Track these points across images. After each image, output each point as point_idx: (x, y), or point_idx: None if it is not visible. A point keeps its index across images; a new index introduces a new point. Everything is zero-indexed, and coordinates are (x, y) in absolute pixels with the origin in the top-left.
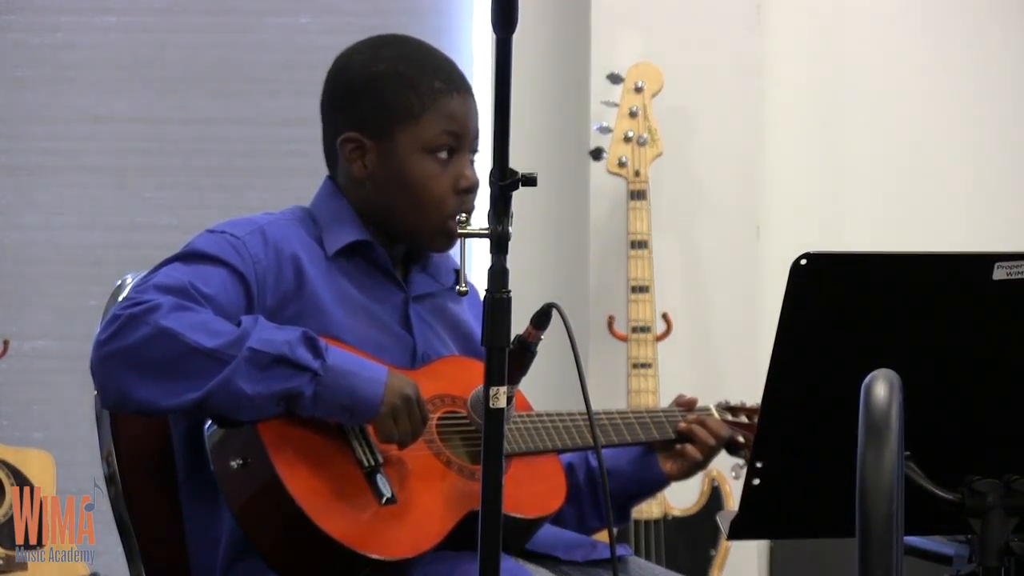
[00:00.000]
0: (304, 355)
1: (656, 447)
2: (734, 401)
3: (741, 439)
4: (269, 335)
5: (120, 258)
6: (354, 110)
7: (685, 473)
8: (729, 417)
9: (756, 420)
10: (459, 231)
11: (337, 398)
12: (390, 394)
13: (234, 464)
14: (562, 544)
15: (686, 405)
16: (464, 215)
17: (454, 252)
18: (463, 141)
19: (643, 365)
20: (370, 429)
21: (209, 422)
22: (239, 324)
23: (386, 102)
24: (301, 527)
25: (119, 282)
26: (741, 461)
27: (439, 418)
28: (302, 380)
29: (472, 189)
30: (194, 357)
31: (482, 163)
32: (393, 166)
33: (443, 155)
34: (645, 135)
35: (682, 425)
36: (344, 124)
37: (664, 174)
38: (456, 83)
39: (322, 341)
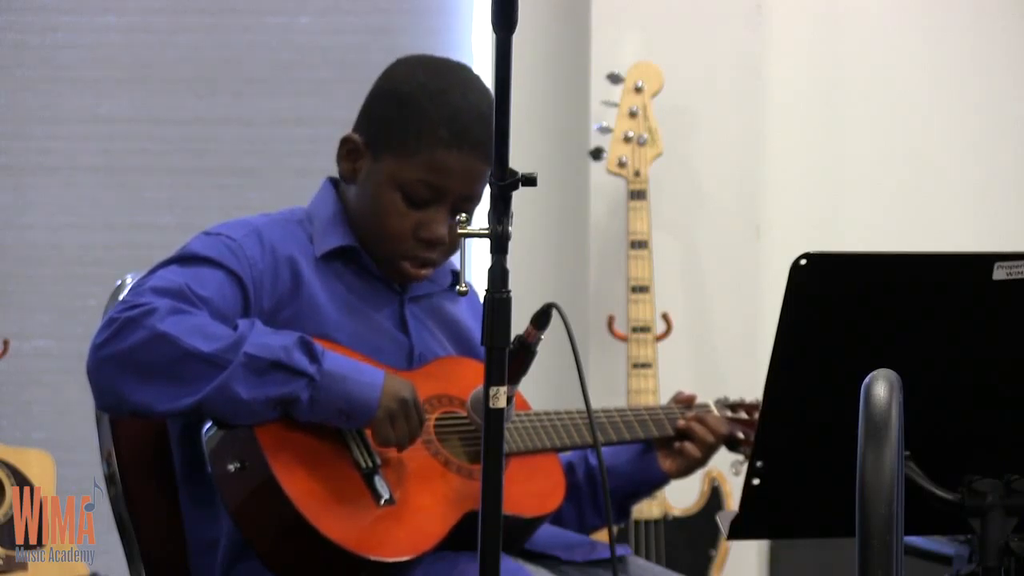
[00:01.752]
0: (300, 360)
1: (655, 445)
2: (733, 397)
3: (741, 435)
4: (265, 340)
5: (120, 258)
6: (367, 115)
7: (684, 471)
8: (728, 413)
9: (755, 416)
10: (459, 231)
11: (333, 403)
12: (386, 398)
13: (231, 467)
14: (562, 544)
15: (685, 402)
16: (464, 216)
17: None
18: (442, 195)
19: (643, 365)
20: (367, 431)
21: (207, 425)
22: (235, 328)
23: (390, 124)
24: (299, 530)
25: (119, 282)
26: (741, 457)
27: (437, 418)
28: (298, 385)
29: (433, 242)
30: (190, 361)
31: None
32: (370, 185)
33: (417, 199)
34: (645, 135)
35: (681, 422)
36: (357, 123)
37: (664, 174)
38: (464, 139)
39: (318, 345)
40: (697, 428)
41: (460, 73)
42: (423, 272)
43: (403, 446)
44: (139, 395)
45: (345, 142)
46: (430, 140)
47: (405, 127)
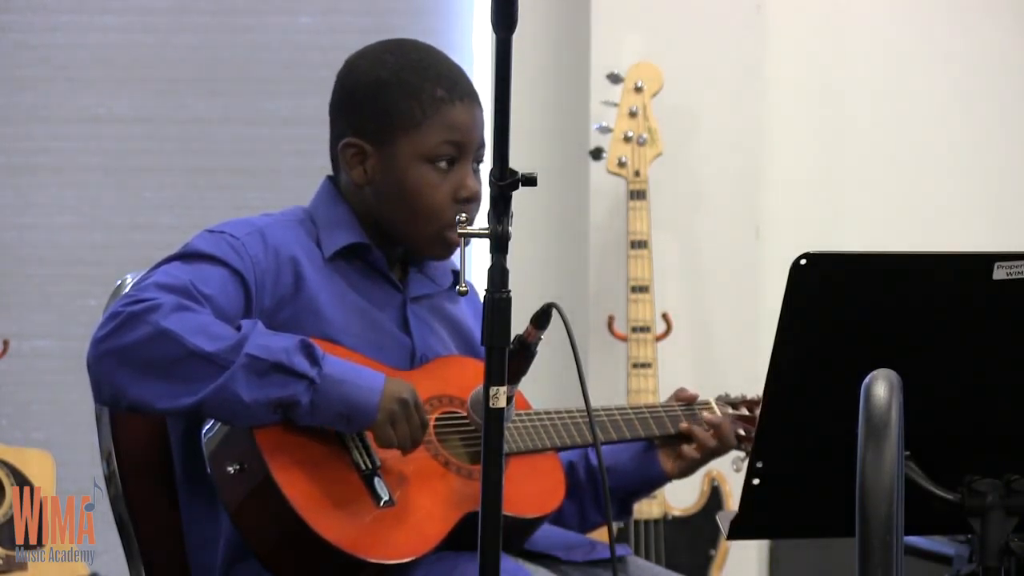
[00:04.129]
0: (301, 363)
1: (657, 443)
2: (734, 394)
3: (742, 432)
4: (267, 341)
5: (120, 258)
6: (356, 115)
7: (686, 471)
8: (730, 410)
9: (756, 412)
10: (459, 231)
11: (334, 406)
12: (387, 401)
13: (231, 469)
14: (561, 544)
15: (686, 400)
16: (464, 215)
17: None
18: (465, 150)
19: (643, 365)
20: (369, 434)
21: (206, 427)
22: (239, 328)
23: (387, 109)
24: (298, 532)
25: (119, 282)
26: (742, 454)
27: (436, 418)
28: (298, 388)
29: (472, 198)
30: (192, 360)
31: (484, 166)
32: (393, 173)
33: (443, 164)
34: (645, 135)
35: (683, 425)
36: (346, 128)
37: (664, 174)
38: (460, 92)
39: (319, 349)
40: (699, 432)
41: (416, 42)
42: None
43: (406, 448)
44: (139, 390)
45: (347, 147)
46: (433, 103)
47: (406, 104)
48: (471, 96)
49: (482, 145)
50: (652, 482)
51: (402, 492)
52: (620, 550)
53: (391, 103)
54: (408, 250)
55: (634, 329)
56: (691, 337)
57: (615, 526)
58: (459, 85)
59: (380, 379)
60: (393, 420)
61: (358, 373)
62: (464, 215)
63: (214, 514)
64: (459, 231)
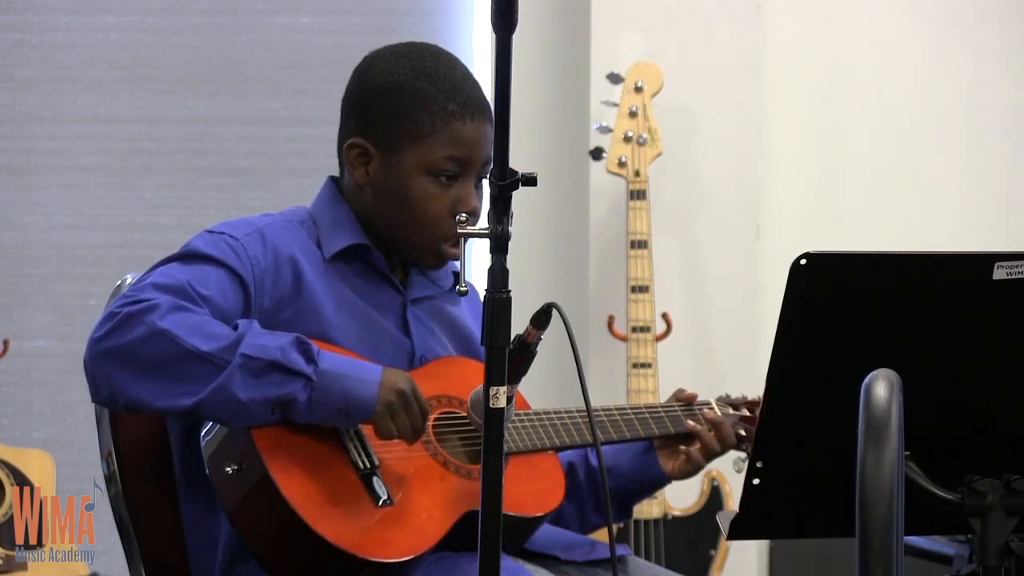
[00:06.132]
0: (297, 360)
1: (656, 444)
2: (734, 394)
3: (743, 432)
4: (262, 341)
5: (120, 258)
6: (365, 116)
7: (686, 473)
8: (730, 411)
9: (756, 412)
10: (459, 230)
11: (332, 402)
12: (384, 392)
13: (229, 469)
14: (561, 544)
15: (686, 400)
16: (464, 215)
17: None
18: (469, 167)
19: (643, 365)
20: (368, 432)
21: (205, 428)
22: (235, 328)
23: (397, 115)
24: (297, 532)
25: (119, 282)
26: (743, 455)
27: (436, 418)
28: (295, 386)
29: (471, 214)
30: (189, 360)
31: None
32: (394, 180)
33: (446, 178)
34: (645, 135)
35: (690, 423)
36: (354, 128)
37: (664, 174)
38: (472, 108)
39: (315, 346)
40: (706, 435)
41: (436, 50)
42: (459, 251)
43: (407, 439)
44: (136, 390)
45: (352, 147)
46: (443, 117)
47: (416, 113)
48: (483, 113)
49: (488, 162)
50: (652, 483)
51: (401, 492)
52: (620, 550)
53: (401, 110)
54: (402, 257)
55: (634, 329)
56: (691, 337)
57: (615, 526)
58: (472, 100)
59: (377, 371)
60: (392, 411)
61: (355, 367)
62: (465, 216)
63: (214, 514)
64: (459, 231)
